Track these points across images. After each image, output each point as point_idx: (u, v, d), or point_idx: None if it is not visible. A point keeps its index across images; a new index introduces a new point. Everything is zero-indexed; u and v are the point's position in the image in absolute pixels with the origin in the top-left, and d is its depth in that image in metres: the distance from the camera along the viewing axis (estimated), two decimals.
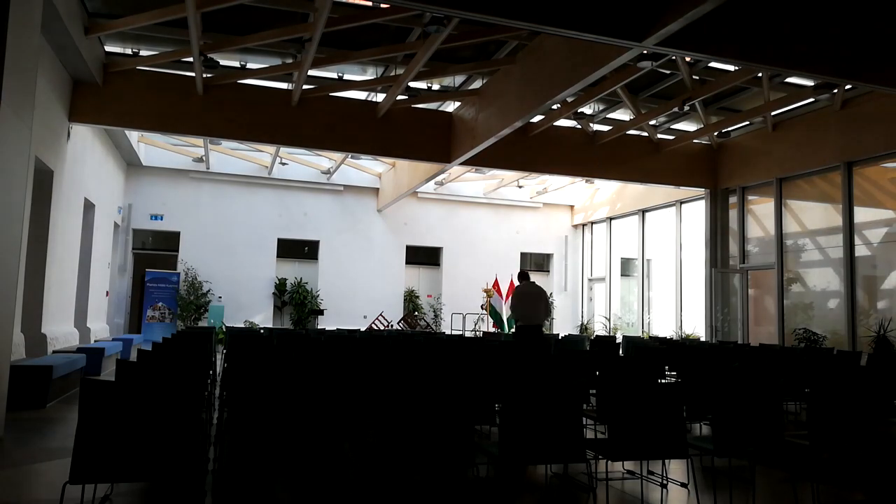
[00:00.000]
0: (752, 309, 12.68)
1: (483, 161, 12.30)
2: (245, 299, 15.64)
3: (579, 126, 12.50)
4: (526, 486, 4.45)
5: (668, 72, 9.89)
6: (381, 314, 16.41)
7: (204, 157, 15.12)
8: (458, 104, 11.64)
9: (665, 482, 4.38)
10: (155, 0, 8.04)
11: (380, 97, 11.26)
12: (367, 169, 16.76)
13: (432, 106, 11.96)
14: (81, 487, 3.53)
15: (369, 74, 10.76)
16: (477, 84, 10.84)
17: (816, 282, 11.53)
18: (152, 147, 15.04)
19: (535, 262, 19.10)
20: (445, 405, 3.35)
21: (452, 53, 9.58)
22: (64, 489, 3.18)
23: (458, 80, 10.99)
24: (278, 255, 16.54)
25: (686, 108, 10.67)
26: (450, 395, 3.37)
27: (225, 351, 7.13)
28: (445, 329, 16.64)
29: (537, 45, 8.93)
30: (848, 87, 9.98)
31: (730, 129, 12.26)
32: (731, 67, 9.52)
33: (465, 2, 5.89)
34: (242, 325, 14.55)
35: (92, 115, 9.97)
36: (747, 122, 12.17)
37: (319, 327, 14.82)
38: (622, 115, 12.16)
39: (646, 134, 12.90)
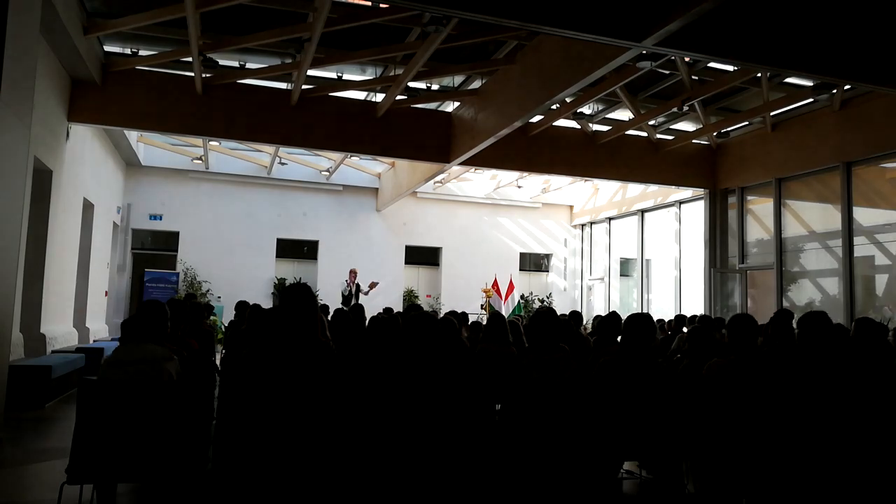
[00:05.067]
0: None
1: (483, 161, 12.29)
2: (244, 299, 15.58)
3: (579, 126, 12.49)
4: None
5: (667, 72, 9.89)
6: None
7: (203, 157, 15.10)
8: (457, 104, 11.63)
9: (664, 482, 4.38)
10: (154, 0, 8.04)
11: (379, 97, 11.26)
12: (366, 169, 16.75)
13: (432, 106, 11.95)
14: (79, 488, 3.53)
15: (368, 74, 10.75)
16: (476, 84, 10.83)
17: (815, 282, 11.53)
18: (151, 147, 15.02)
19: (535, 262, 19.10)
20: (443, 406, 3.34)
21: (452, 53, 9.58)
22: (62, 490, 3.17)
23: (458, 80, 10.98)
24: (277, 255, 16.52)
25: (685, 108, 10.66)
26: (448, 395, 3.37)
27: (224, 351, 7.12)
28: None
29: (537, 45, 8.93)
30: (847, 87, 9.98)
31: (729, 129, 12.25)
32: (730, 67, 9.51)
33: (465, 2, 5.89)
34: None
35: (91, 114, 9.95)
36: (746, 123, 12.16)
37: None
38: (621, 115, 12.16)
39: (645, 134, 12.90)
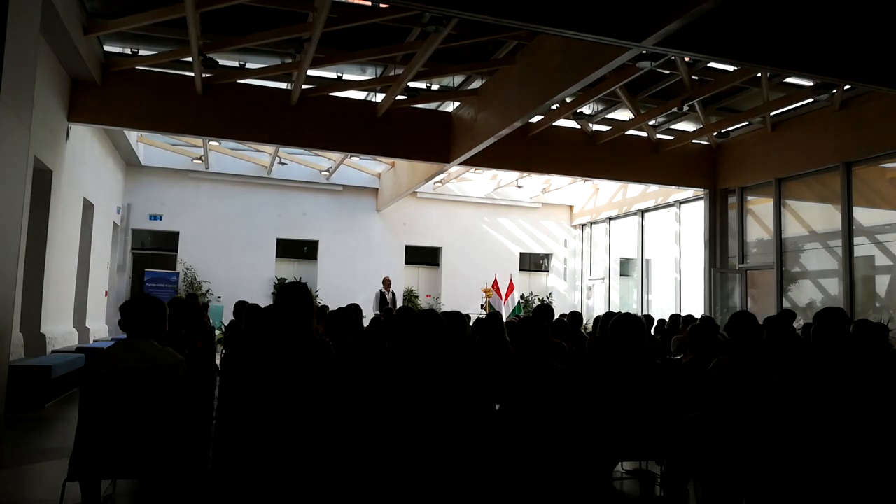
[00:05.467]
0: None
1: (482, 161, 12.29)
2: (244, 299, 15.59)
3: (579, 126, 12.49)
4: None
5: (667, 72, 9.89)
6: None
7: (203, 157, 15.11)
8: (457, 104, 11.63)
9: (664, 482, 4.38)
10: (154, 0, 8.03)
11: (379, 97, 11.26)
12: (366, 169, 16.76)
13: (431, 106, 11.95)
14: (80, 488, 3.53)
15: (368, 74, 10.75)
16: (476, 84, 10.83)
17: (815, 282, 11.53)
18: (151, 147, 15.02)
19: (535, 262, 19.10)
20: (443, 406, 3.34)
21: (452, 53, 9.57)
22: (64, 487, 3.18)
23: (458, 80, 10.98)
24: (277, 255, 16.52)
25: (685, 108, 10.66)
26: (448, 395, 3.37)
27: (224, 351, 7.12)
28: None
29: (537, 45, 8.93)
30: (847, 87, 9.98)
31: (729, 129, 12.25)
32: (730, 67, 9.51)
33: (465, 2, 5.88)
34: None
35: (91, 115, 9.95)
36: (746, 123, 12.16)
37: None
38: (621, 115, 12.16)
39: (645, 134, 12.90)
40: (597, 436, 3.75)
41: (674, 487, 4.15)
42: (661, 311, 14.50)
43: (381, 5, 7.97)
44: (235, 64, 10.26)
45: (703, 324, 5.17)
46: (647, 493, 4.61)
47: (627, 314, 4.24)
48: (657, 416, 3.81)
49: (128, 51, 9.99)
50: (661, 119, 12.32)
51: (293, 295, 3.13)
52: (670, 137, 13.03)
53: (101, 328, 13.20)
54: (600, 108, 11.90)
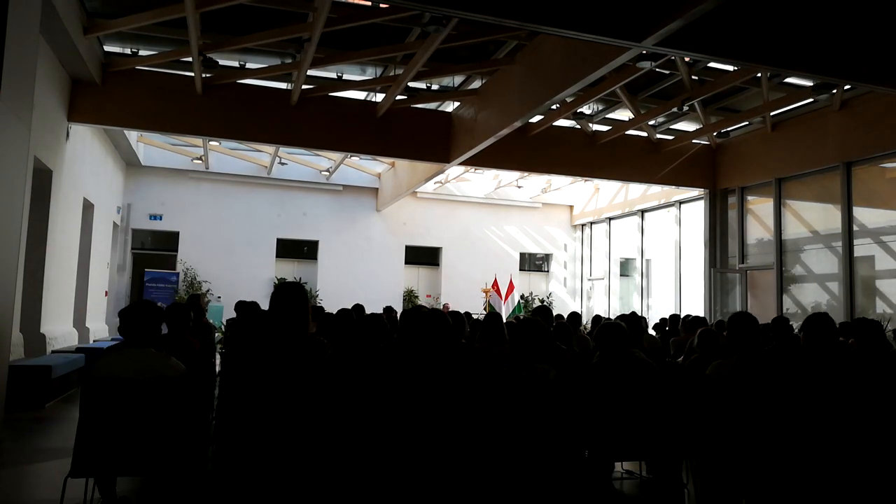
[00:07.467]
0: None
1: (482, 161, 12.29)
2: (244, 299, 15.59)
3: (578, 126, 12.49)
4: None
5: (667, 72, 9.89)
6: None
7: (203, 157, 15.11)
8: (457, 104, 11.63)
9: (664, 482, 4.38)
10: (154, 0, 8.03)
11: (379, 97, 11.26)
12: (366, 169, 16.76)
13: (431, 106, 11.95)
14: (83, 487, 3.54)
15: (368, 74, 10.75)
16: (476, 84, 10.83)
17: (815, 282, 11.53)
18: (151, 147, 15.02)
19: (534, 262, 19.10)
20: (440, 403, 3.34)
21: (451, 53, 9.57)
22: (65, 483, 3.18)
23: (458, 80, 10.98)
24: (277, 255, 16.53)
25: (685, 108, 10.66)
26: (447, 396, 3.36)
27: (224, 350, 7.12)
28: None
29: (536, 45, 8.93)
30: (847, 87, 9.97)
31: (729, 129, 12.25)
32: (730, 67, 9.51)
33: (465, 2, 5.89)
34: None
35: (91, 115, 9.95)
36: (746, 123, 12.16)
37: None
38: (621, 115, 12.16)
39: (645, 134, 12.90)
40: (591, 437, 3.75)
41: (668, 486, 4.15)
42: (660, 311, 14.50)
43: (381, 5, 7.97)
44: (235, 64, 10.26)
45: (714, 328, 5.18)
46: (647, 493, 4.61)
47: (611, 322, 4.26)
48: (651, 416, 3.81)
49: (128, 51, 9.99)
50: (661, 119, 12.31)
51: (289, 294, 3.15)
52: (670, 137, 13.03)
53: (101, 328, 13.20)
54: (600, 108, 11.90)
